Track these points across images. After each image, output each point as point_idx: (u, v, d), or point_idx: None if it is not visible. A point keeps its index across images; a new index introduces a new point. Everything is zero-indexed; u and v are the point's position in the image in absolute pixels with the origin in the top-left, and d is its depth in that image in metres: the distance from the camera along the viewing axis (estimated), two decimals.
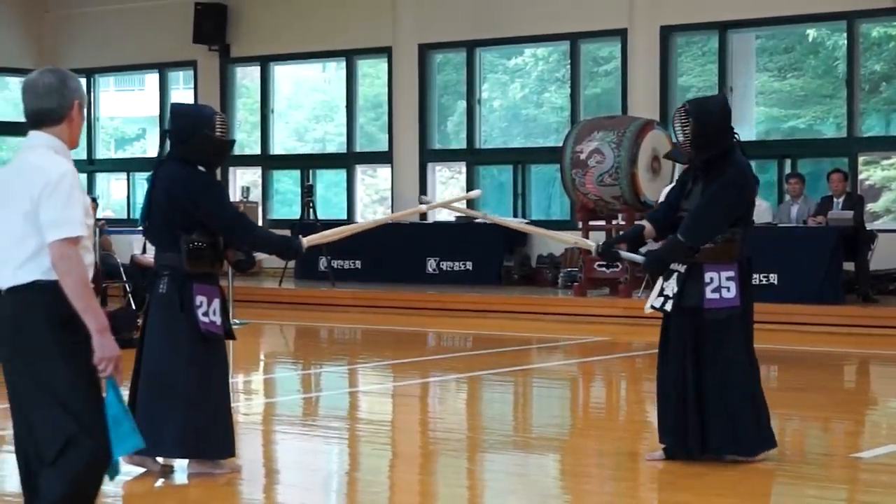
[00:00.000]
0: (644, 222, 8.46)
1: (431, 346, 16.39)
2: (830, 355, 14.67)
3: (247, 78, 26.45)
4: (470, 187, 23.54)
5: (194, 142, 7.89)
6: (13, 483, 5.12)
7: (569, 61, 22.89)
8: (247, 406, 11.43)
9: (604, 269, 19.13)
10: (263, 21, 25.20)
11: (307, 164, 25.56)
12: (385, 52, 24.26)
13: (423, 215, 23.70)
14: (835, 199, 18.16)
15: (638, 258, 8.41)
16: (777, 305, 16.98)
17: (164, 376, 7.79)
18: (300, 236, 8.20)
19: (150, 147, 29.31)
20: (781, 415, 10.54)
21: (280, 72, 26.20)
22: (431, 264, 21.96)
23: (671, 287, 8.22)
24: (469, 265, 21.51)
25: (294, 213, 24.79)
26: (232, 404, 8.07)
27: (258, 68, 25.83)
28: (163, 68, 26.92)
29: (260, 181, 25.99)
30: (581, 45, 22.72)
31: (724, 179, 8.08)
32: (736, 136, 8.26)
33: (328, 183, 26.08)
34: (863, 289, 17.62)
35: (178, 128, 7.98)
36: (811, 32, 21.60)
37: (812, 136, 21.38)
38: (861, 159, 20.76)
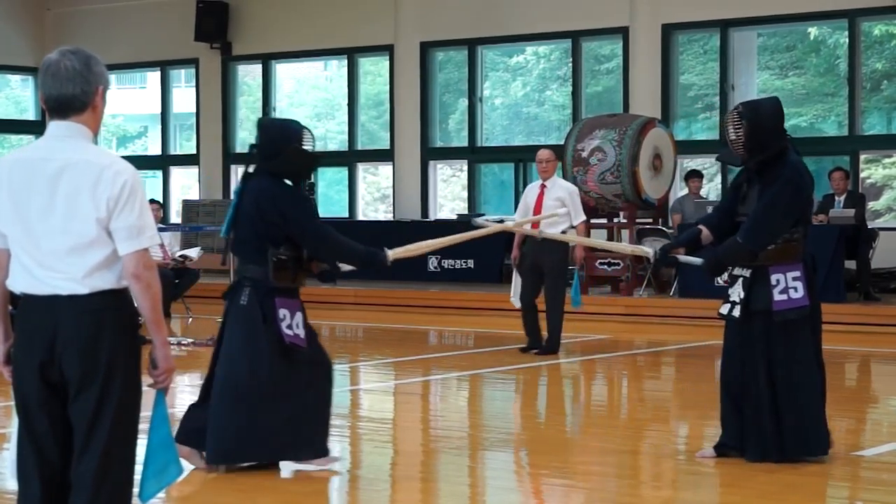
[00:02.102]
0: (700, 227, 8.44)
1: (433, 344, 16.40)
2: (832, 353, 14.62)
3: (248, 76, 26.45)
4: (471, 185, 23.57)
5: (283, 156, 7.93)
6: (14, 482, 5.04)
7: (570, 59, 22.90)
8: None
9: (605, 267, 19.14)
10: (265, 19, 25.20)
11: None
12: (386, 49, 24.26)
13: (426, 212, 23.79)
14: (836, 198, 18.16)
15: (696, 261, 8.39)
16: None
17: (242, 386, 7.83)
18: (385, 249, 8.28)
19: (151, 144, 29.36)
20: None
21: (281, 70, 26.21)
22: (433, 262, 21.97)
23: (737, 292, 8.17)
24: (471, 263, 21.52)
25: None
26: (315, 410, 8.08)
27: (260, 66, 25.84)
28: (164, 66, 26.94)
29: None
30: (582, 43, 22.73)
31: (782, 180, 8.02)
32: (788, 136, 8.23)
33: (330, 181, 26.09)
34: (864, 287, 17.62)
35: (265, 142, 8.03)
36: (812, 31, 21.60)
37: (813, 135, 21.37)
38: (862, 157, 20.77)
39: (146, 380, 4.93)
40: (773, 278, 8.03)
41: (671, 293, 18.75)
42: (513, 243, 13.94)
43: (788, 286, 8.00)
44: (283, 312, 7.86)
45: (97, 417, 4.82)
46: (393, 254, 8.44)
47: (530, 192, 14.05)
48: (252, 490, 7.72)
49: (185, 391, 11.91)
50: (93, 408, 4.81)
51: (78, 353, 4.79)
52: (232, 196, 8.38)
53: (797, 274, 8.03)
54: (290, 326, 7.87)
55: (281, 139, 7.99)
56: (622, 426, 10.23)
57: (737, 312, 8.14)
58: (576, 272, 14.03)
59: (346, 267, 8.25)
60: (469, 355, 14.39)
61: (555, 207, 13.75)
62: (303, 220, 7.91)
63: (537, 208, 13.75)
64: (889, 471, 7.99)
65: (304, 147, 8.04)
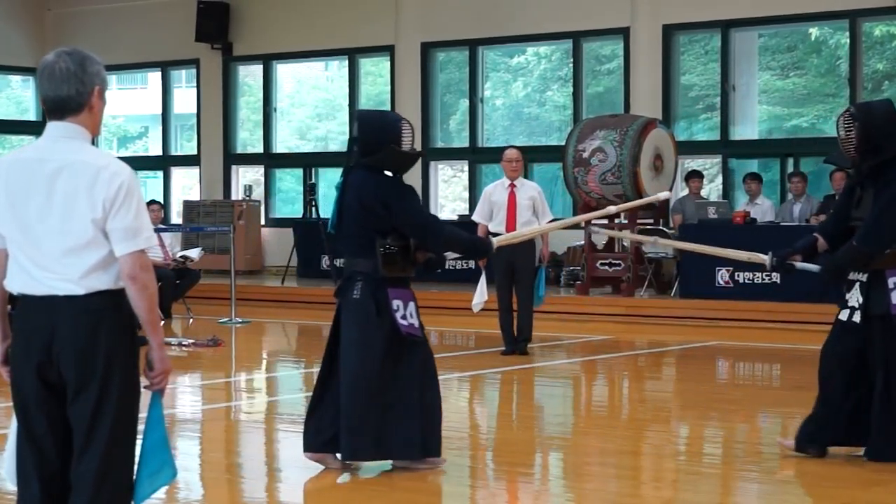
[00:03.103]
0: (816, 234, 8.41)
1: (434, 345, 16.32)
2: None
3: (249, 76, 26.45)
4: (472, 186, 23.55)
5: (383, 153, 7.97)
6: (12, 483, 5.04)
7: (571, 60, 22.89)
8: (249, 404, 11.44)
9: (606, 267, 19.15)
10: (266, 19, 25.20)
11: (309, 162, 25.57)
12: (387, 50, 24.26)
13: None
14: (837, 198, 18.12)
15: (814, 268, 8.36)
16: (780, 304, 17.01)
17: (362, 380, 7.86)
18: (490, 236, 8.36)
19: (152, 145, 29.37)
20: (784, 413, 10.56)
21: (282, 70, 26.21)
22: None
23: (856, 297, 8.10)
24: (472, 263, 21.50)
25: (296, 211, 24.81)
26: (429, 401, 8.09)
27: (261, 66, 25.83)
28: (165, 66, 26.94)
29: (262, 179, 26.00)
30: (583, 44, 22.72)
31: (884, 182, 7.98)
32: None
33: (330, 181, 26.06)
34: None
35: (364, 137, 8.02)
36: (813, 31, 21.60)
37: (814, 135, 21.36)
38: None
39: (142, 381, 4.93)
40: (891, 282, 7.96)
41: (672, 294, 18.75)
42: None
43: None
44: (396, 303, 7.91)
45: (96, 418, 4.81)
46: (498, 241, 8.55)
47: (497, 192, 13.93)
48: (253, 488, 7.70)
49: (186, 392, 11.92)
50: (92, 408, 4.81)
51: (75, 353, 4.79)
52: (317, 192, 8.46)
53: None
54: (404, 317, 7.94)
55: (381, 134, 8.01)
56: (623, 427, 10.23)
57: (857, 318, 8.06)
58: (542, 269, 13.95)
59: (450, 255, 8.32)
60: (470, 356, 14.38)
61: (528, 207, 13.76)
62: (408, 211, 7.95)
63: (511, 209, 13.72)
64: (889, 471, 7.97)
65: (404, 140, 8.11)
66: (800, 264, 8.41)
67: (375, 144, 7.96)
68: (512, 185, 13.87)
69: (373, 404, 7.85)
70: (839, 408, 8.09)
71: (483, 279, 13.85)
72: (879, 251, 7.99)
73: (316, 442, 8.02)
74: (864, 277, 8.06)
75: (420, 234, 7.98)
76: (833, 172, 18.41)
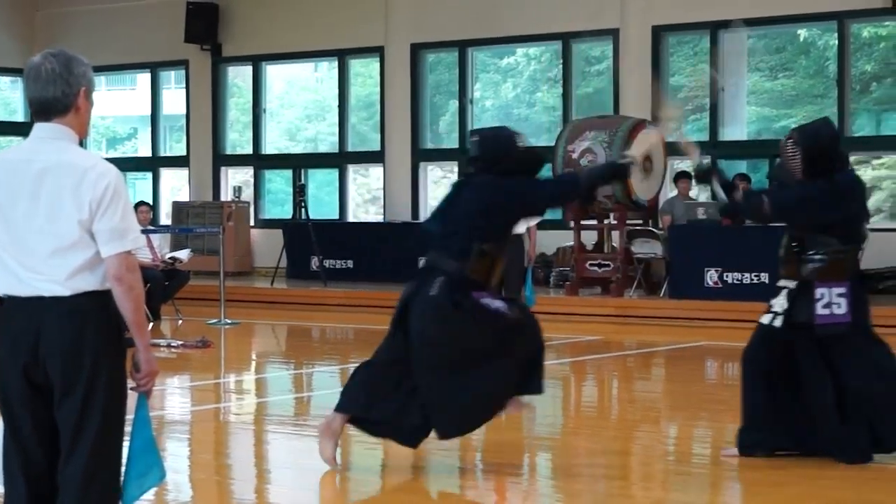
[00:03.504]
0: (743, 185, 8.64)
1: None
2: None
3: (238, 77, 26.44)
4: None
5: (511, 160, 8.10)
6: None
7: (561, 61, 22.91)
8: (239, 406, 11.44)
9: (595, 268, 19.16)
10: (255, 20, 25.18)
11: (299, 163, 25.55)
12: (377, 51, 24.26)
13: (416, 214, 23.79)
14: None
15: (722, 197, 8.52)
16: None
17: (453, 363, 7.98)
18: (626, 154, 8.55)
19: (141, 146, 29.33)
20: None
21: (272, 71, 26.20)
22: (423, 263, 21.93)
23: (781, 303, 8.24)
24: None
25: (286, 212, 24.79)
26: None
27: (250, 68, 25.82)
28: (154, 68, 26.91)
29: (252, 181, 25.98)
30: (573, 45, 22.74)
31: (827, 180, 8.18)
32: (843, 153, 8.46)
33: (320, 182, 26.08)
34: None
35: (487, 154, 8.16)
36: (802, 32, 21.64)
37: None
38: (852, 159, 20.68)
39: (129, 383, 4.93)
40: (818, 292, 8.10)
41: (661, 294, 18.77)
42: None
43: (832, 301, 8.05)
44: (478, 295, 8.04)
45: (83, 419, 4.80)
46: (632, 153, 8.96)
47: None
48: (243, 490, 7.70)
49: (175, 393, 11.91)
50: (78, 409, 4.80)
51: (61, 354, 4.78)
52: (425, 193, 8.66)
53: (842, 291, 8.10)
54: (489, 302, 8.06)
55: (501, 147, 8.14)
56: (612, 427, 10.24)
57: (778, 323, 8.20)
58: (529, 270, 13.98)
59: (602, 191, 8.54)
60: None
61: None
62: (539, 191, 8.20)
63: None
64: (873, 469, 7.99)
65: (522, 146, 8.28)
66: (717, 185, 8.52)
67: (500, 156, 8.10)
68: None
69: (463, 379, 7.95)
70: (765, 414, 8.28)
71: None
72: (778, 216, 8.37)
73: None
74: (792, 285, 8.23)
75: (564, 198, 8.55)
76: None
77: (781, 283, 8.35)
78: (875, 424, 8.09)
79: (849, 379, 8.09)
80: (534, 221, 13.88)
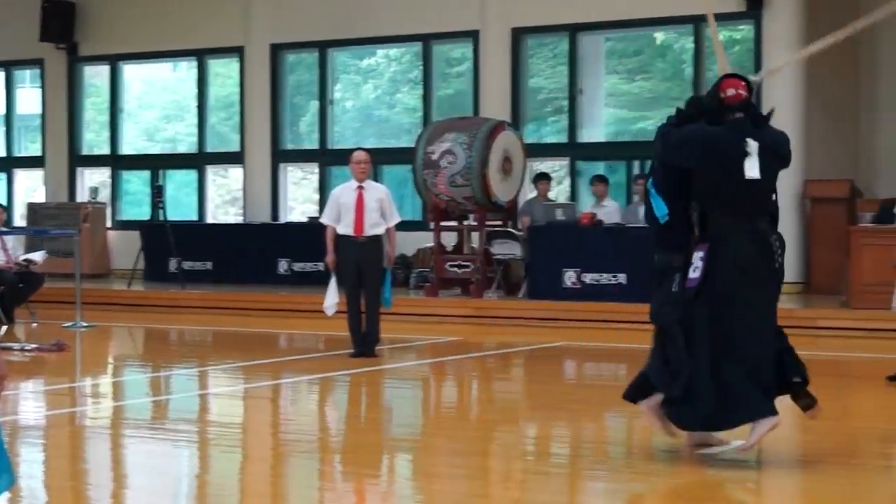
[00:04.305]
0: None
1: (283, 348, 16.32)
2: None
3: (96, 77, 26.10)
4: (322, 188, 23.50)
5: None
6: None
7: (421, 62, 22.95)
8: (95, 410, 11.27)
9: (455, 269, 19.22)
10: (113, 19, 24.89)
11: (157, 164, 25.31)
12: (237, 51, 24.11)
13: (276, 215, 23.67)
14: None
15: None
16: (625, 305, 17.22)
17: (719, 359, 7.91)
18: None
19: None
20: (630, 412, 10.68)
21: (130, 71, 25.91)
22: (283, 265, 21.88)
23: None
24: (321, 266, 21.42)
25: (144, 213, 24.53)
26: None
27: (107, 67, 25.51)
28: (9, 66, 26.49)
29: (109, 182, 25.66)
30: (433, 46, 22.80)
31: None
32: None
33: (179, 183, 25.84)
34: None
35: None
36: (659, 36, 21.93)
37: None
38: None
39: None
40: (696, 256, 8.13)
41: (520, 295, 18.88)
42: (326, 247, 13.93)
43: (695, 265, 8.04)
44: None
45: None
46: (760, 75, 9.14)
47: (345, 195, 13.92)
48: (99, 495, 7.60)
49: (29, 398, 11.71)
50: None
51: None
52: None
53: (702, 254, 8.00)
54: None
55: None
56: (472, 427, 10.27)
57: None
58: (388, 271, 14.02)
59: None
60: (319, 359, 14.34)
61: (376, 209, 13.81)
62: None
63: (359, 210, 13.73)
64: (732, 468, 8.11)
65: None
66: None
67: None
68: (360, 188, 13.87)
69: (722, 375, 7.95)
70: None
71: (333, 281, 13.83)
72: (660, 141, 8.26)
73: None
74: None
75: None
76: None
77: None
78: None
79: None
80: (393, 222, 13.92)
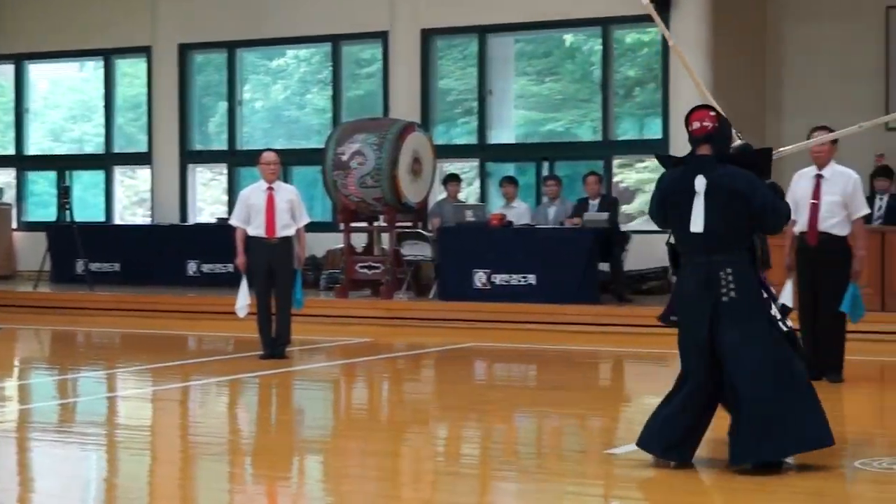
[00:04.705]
0: None
1: (192, 350, 16.23)
2: (586, 354, 14.99)
3: (1, 76, 25.79)
4: (231, 189, 23.40)
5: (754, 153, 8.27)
6: None
7: (331, 63, 22.92)
8: (1, 413, 11.15)
9: (365, 270, 19.21)
10: (18, 19, 24.61)
11: (64, 164, 25.06)
12: (144, 51, 23.94)
13: (185, 216, 23.53)
14: (590, 201, 18.54)
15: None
16: (535, 305, 17.31)
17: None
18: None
19: None
20: (539, 413, 10.75)
21: (35, 70, 25.63)
22: (192, 266, 21.74)
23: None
24: (230, 267, 21.31)
25: (50, 214, 24.26)
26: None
27: (12, 66, 25.23)
28: None
29: (14, 182, 25.38)
30: (343, 47, 22.77)
31: None
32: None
33: (86, 184, 25.59)
34: (617, 289, 18.05)
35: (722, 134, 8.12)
36: (568, 38, 22.04)
37: (569, 140, 21.81)
38: (616, 162, 21.26)
39: None
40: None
41: (431, 296, 18.91)
42: (237, 249, 13.89)
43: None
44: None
45: None
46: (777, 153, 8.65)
47: (255, 196, 13.88)
48: (5, 499, 7.53)
49: None
50: None
51: None
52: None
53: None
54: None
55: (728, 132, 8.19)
56: (382, 429, 10.28)
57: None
58: (298, 273, 14.02)
59: None
60: (229, 360, 14.28)
61: (287, 210, 13.80)
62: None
63: (269, 212, 13.70)
64: (640, 467, 8.18)
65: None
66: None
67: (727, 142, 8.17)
68: (270, 189, 13.83)
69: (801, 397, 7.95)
70: None
71: (244, 283, 13.77)
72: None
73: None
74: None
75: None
76: (586, 176, 18.79)
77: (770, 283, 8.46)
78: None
79: None
80: (302, 223, 13.90)
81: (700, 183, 7.88)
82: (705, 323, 7.89)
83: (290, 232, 13.81)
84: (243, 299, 13.86)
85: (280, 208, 13.74)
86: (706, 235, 7.87)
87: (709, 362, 7.92)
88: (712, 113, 8.05)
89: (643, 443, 8.17)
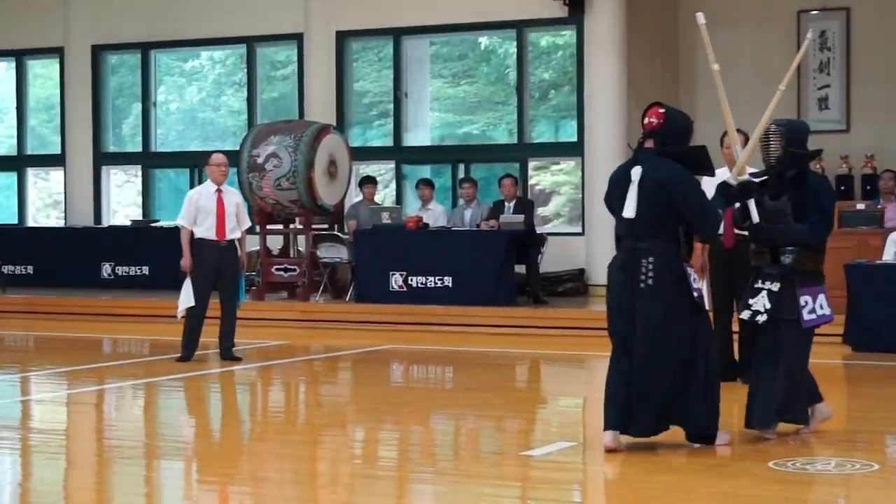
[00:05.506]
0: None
1: (107, 353, 16.12)
2: (503, 356, 15.05)
3: None
4: (146, 191, 23.26)
5: (689, 149, 8.67)
6: None
7: (245, 65, 22.85)
8: None
9: (281, 272, 19.17)
10: None
11: None
12: (56, 52, 23.74)
13: (99, 219, 23.35)
14: (506, 204, 18.62)
15: (755, 217, 8.91)
16: (451, 307, 17.36)
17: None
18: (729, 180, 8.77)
19: None
20: (456, 414, 10.79)
21: None
22: (107, 269, 21.59)
23: (762, 303, 8.90)
24: (146, 270, 21.23)
25: None
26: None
27: None
28: None
29: None
30: (258, 49, 22.71)
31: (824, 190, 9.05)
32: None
33: (1, 186, 25.35)
34: (533, 291, 18.13)
35: (669, 129, 8.62)
36: (483, 40, 22.12)
37: (485, 142, 21.88)
38: (531, 165, 21.36)
39: None
40: (802, 300, 8.90)
41: (347, 298, 18.90)
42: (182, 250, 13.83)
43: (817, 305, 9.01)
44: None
45: None
46: (733, 178, 8.89)
47: (205, 197, 13.85)
48: None
49: None
50: None
51: None
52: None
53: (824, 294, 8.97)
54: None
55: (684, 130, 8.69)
56: (299, 432, 10.27)
57: (762, 319, 8.91)
58: (241, 274, 14.02)
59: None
60: (144, 363, 14.20)
61: (234, 213, 13.80)
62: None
63: (220, 214, 13.68)
64: (557, 469, 8.25)
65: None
66: (752, 202, 8.91)
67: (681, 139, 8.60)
68: (219, 191, 13.82)
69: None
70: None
71: (188, 283, 13.69)
72: (820, 243, 8.87)
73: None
74: (775, 287, 8.83)
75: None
76: (502, 179, 18.87)
77: (759, 285, 8.92)
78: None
79: None
80: (245, 226, 13.95)
81: (636, 172, 8.53)
82: (626, 306, 8.47)
83: (237, 235, 13.83)
84: (187, 300, 13.77)
85: (229, 211, 13.76)
86: (636, 222, 8.47)
87: (629, 343, 8.48)
88: (661, 110, 8.60)
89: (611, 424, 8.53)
